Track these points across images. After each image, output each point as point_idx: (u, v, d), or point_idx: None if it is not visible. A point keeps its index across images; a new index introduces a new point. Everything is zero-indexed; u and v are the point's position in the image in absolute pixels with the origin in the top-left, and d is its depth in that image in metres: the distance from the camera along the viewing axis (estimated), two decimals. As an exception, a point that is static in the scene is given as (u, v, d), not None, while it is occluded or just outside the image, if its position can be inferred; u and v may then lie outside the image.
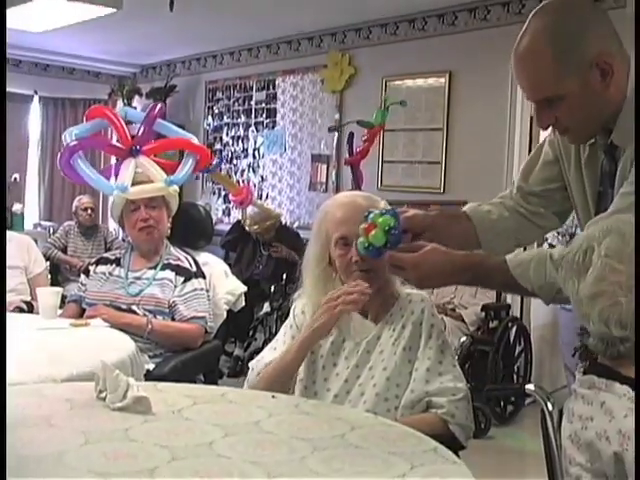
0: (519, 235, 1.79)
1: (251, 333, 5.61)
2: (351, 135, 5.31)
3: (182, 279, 2.89)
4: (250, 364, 1.91)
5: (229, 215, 7.31)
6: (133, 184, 2.97)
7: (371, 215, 1.63)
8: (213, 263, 3.29)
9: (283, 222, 6.24)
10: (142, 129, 3.21)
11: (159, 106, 3.30)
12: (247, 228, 5.62)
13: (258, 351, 5.28)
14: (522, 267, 1.49)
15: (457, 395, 1.80)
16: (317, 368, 1.86)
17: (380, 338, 1.88)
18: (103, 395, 1.54)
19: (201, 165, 3.37)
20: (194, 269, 2.96)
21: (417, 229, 1.68)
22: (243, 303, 3.32)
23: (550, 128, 1.61)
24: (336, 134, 6.20)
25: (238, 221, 5.97)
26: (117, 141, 3.28)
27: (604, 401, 1.28)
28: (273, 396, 1.68)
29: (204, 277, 2.98)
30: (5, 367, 1.40)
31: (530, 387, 1.53)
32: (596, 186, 1.62)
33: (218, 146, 7.41)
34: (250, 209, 5.79)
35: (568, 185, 1.71)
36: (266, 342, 5.36)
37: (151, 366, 2.66)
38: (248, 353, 5.41)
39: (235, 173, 7.29)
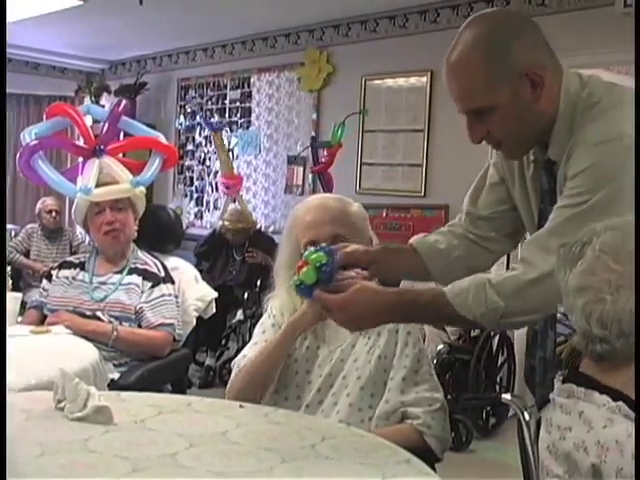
0: (470, 262, 1.80)
1: (223, 342, 5.58)
2: (315, 145, 5.38)
3: (150, 284, 2.89)
4: (233, 362, 1.93)
5: (201, 219, 7.29)
6: (97, 185, 2.96)
7: (306, 253, 1.60)
8: (182, 268, 3.28)
9: (258, 226, 6.25)
10: (106, 127, 3.20)
11: (124, 103, 3.29)
12: (223, 224, 5.66)
13: (231, 361, 5.33)
14: (461, 296, 1.48)
15: (434, 405, 1.81)
16: (290, 372, 1.87)
17: (355, 346, 1.89)
18: (62, 405, 1.53)
19: (168, 165, 3.37)
20: (162, 274, 2.95)
21: (360, 264, 1.68)
22: (214, 310, 3.31)
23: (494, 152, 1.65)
24: (313, 135, 6.21)
25: (213, 230, 5.99)
26: (81, 140, 3.27)
27: (583, 411, 1.29)
28: (241, 405, 1.68)
29: (173, 282, 2.97)
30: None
31: (506, 397, 1.55)
32: (538, 204, 1.66)
33: (190, 147, 7.39)
34: (232, 207, 5.82)
35: (517, 206, 1.75)
36: (239, 351, 5.33)
37: (116, 375, 2.65)
38: (220, 363, 5.40)
39: (208, 175, 7.28)
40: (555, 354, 2.16)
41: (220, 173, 6.52)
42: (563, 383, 1.37)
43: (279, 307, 1.95)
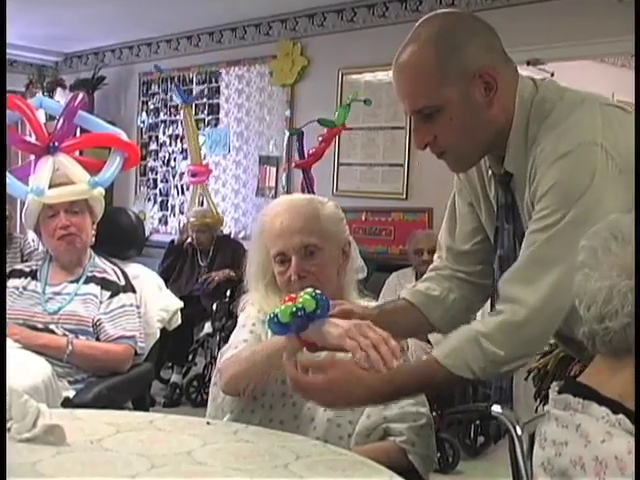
0: (467, 303, 1.82)
1: (190, 357, 5.56)
2: (301, 134, 5.32)
3: (108, 294, 2.86)
4: (220, 352, 1.90)
5: (166, 224, 7.26)
6: (51, 186, 2.92)
7: (302, 292, 1.62)
8: (144, 276, 3.25)
9: (227, 232, 6.24)
10: (61, 123, 3.16)
11: (81, 96, 3.25)
12: (187, 221, 5.69)
13: (199, 378, 5.36)
14: (455, 357, 1.48)
15: (418, 421, 1.80)
16: (270, 380, 1.83)
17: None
18: (9, 425, 1.50)
19: (130, 164, 3.34)
20: (122, 282, 2.93)
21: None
22: (179, 321, 3.28)
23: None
24: (287, 133, 6.20)
25: (171, 242, 6.01)
26: (32, 137, 3.23)
27: (580, 424, 1.28)
28: (208, 422, 1.68)
29: (134, 291, 2.95)
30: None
31: (496, 409, 1.54)
32: (494, 221, 1.68)
33: (154, 146, 7.36)
34: (197, 208, 5.83)
35: (487, 230, 1.76)
36: (207, 367, 5.33)
37: (71, 393, 2.61)
38: (187, 380, 5.37)
39: (173, 177, 7.25)
40: (512, 386, 2.17)
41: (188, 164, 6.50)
42: (559, 394, 1.36)
43: (262, 317, 1.93)
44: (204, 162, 6.48)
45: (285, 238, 1.85)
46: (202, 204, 6.31)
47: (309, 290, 1.62)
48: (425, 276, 1.87)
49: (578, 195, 1.45)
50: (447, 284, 1.81)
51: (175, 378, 5.35)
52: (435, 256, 1.88)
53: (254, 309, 1.94)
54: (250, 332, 1.89)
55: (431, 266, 1.87)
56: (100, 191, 2.99)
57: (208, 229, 5.72)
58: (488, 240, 1.76)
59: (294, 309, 1.57)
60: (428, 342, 4.45)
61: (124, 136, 3.31)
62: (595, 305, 1.25)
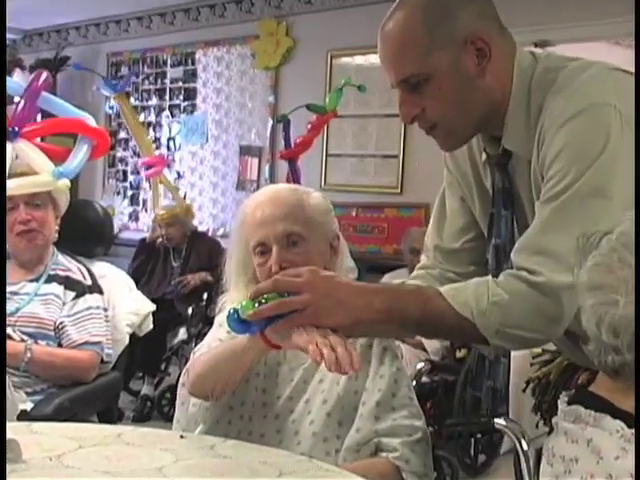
0: None
1: (163, 366, 5.56)
2: (287, 122, 5.31)
3: (73, 294, 2.85)
4: (193, 351, 1.88)
5: (136, 220, 7.25)
6: (10, 176, 2.89)
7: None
8: (113, 275, 3.24)
9: (202, 228, 6.22)
10: (22, 105, 3.13)
11: (45, 75, 3.22)
12: (155, 217, 5.72)
13: (172, 389, 5.33)
14: (458, 290, 1.49)
15: (414, 436, 1.79)
16: (250, 387, 1.84)
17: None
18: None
19: (98, 153, 3.31)
20: (88, 282, 2.91)
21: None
22: (151, 326, 3.27)
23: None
24: (270, 121, 6.20)
25: (142, 240, 6.00)
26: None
27: (591, 438, 1.27)
28: (182, 436, 1.67)
29: (101, 292, 2.93)
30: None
31: (500, 421, 1.53)
32: (489, 208, 1.67)
33: (123, 134, 7.34)
34: (164, 203, 5.82)
35: (481, 225, 1.76)
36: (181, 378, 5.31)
37: (29, 405, 2.59)
38: (159, 391, 5.35)
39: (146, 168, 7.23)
40: (508, 385, 2.14)
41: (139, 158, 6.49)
42: (568, 405, 1.35)
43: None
44: (160, 152, 6.55)
45: (266, 227, 1.83)
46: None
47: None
48: (413, 274, 1.86)
49: (591, 159, 1.43)
50: (437, 284, 1.76)
51: (146, 390, 5.35)
52: (422, 256, 1.88)
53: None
54: (227, 332, 1.87)
55: (419, 265, 1.87)
56: (65, 183, 2.97)
57: (178, 221, 5.71)
58: (481, 239, 1.75)
59: (256, 304, 1.54)
60: (424, 350, 4.46)
61: (92, 121, 3.29)
62: (626, 333, 1.23)
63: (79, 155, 3.15)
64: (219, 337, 1.87)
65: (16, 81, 3.69)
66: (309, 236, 1.85)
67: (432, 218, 1.87)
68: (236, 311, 1.55)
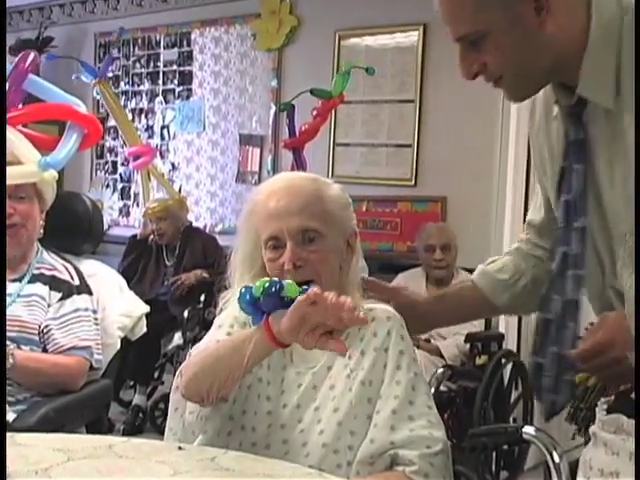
0: (543, 287, 1.84)
1: (157, 374, 5.56)
2: (292, 109, 5.29)
3: (59, 295, 2.85)
4: (189, 353, 1.87)
5: (127, 216, 7.25)
6: (-9, 165, 2.89)
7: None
8: (103, 274, 3.25)
9: (199, 224, 6.22)
10: (7, 88, 3.13)
11: (32, 56, 3.21)
12: (146, 212, 5.71)
13: (166, 399, 5.29)
14: None
15: (433, 448, 1.78)
16: (252, 395, 1.83)
17: (331, 369, 1.86)
18: None
19: (89, 142, 3.30)
20: (76, 282, 2.91)
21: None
22: (144, 329, 3.28)
23: None
24: (273, 107, 6.19)
25: (133, 236, 6.01)
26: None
27: (634, 450, 1.26)
28: (180, 447, 1.66)
29: (90, 293, 2.93)
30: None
31: (529, 430, 1.52)
32: (560, 162, 1.68)
33: (113, 122, 7.30)
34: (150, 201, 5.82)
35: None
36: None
37: (11, 416, 2.59)
38: (152, 402, 5.35)
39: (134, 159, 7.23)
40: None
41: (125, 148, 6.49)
42: (608, 413, 1.34)
43: (238, 314, 1.91)
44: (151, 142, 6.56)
45: (280, 219, 1.83)
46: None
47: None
48: (509, 249, 2.01)
49: None
50: (523, 264, 1.95)
51: (138, 400, 5.35)
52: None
53: (235, 309, 1.92)
54: (227, 334, 1.87)
55: (519, 239, 2.01)
56: (53, 174, 2.96)
57: (170, 215, 5.70)
58: None
59: (267, 284, 1.57)
60: (440, 356, 4.46)
61: (83, 108, 3.28)
62: None
63: (68, 144, 3.14)
64: (217, 339, 1.85)
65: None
66: (327, 232, 1.85)
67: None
68: (249, 290, 1.58)
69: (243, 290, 1.62)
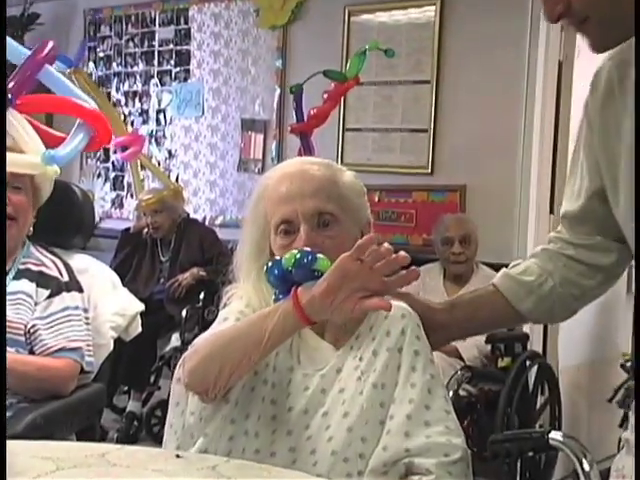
0: (576, 289, 1.89)
1: (153, 378, 5.57)
2: (300, 92, 5.28)
3: (47, 293, 2.85)
4: (192, 345, 1.87)
5: (120, 207, 7.25)
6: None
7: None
8: (94, 270, 3.24)
9: (195, 215, 6.23)
10: (21, 73, 3.15)
11: (51, 45, 3.23)
12: (139, 205, 5.74)
13: (163, 406, 5.32)
14: None
15: (451, 456, 1.78)
16: (256, 397, 1.83)
17: (341, 371, 1.86)
18: None
19: (96, 145, 3.33)
20: (65, 278, 2.92)
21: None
22: (139, 329, 3.27)
23: None
24: (277, 90, 6.18)
25: (126, 230, 6.01)
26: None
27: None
28: (178, 455, 1.66)
29: (80, 290, 2.94)
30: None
31: (556, 436, 1.51)
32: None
33: (102, 108, 7.34)
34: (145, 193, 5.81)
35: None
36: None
37: (-4, 423, 2.59)
38: (148, 408, 5.36)
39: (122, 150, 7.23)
40: (559, 400, 2.18)
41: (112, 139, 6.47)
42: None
43: (244, 309, 1.92)
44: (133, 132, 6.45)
45: (293, 202, 1.84)
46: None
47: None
48: (537, 248, 1.98)
49: None
50: (550, 265, 1.91)
51: (132, 406, 5.36)
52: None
53: (242, 303, 1.93)
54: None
55: (549, 236, 1.97)
56: (55, 170, 2.98)
57: (166, 208, 5.73)
58: (608, 206, 1.77)
59: (299, 255, 1.64)
60: (459, 358, 4.45)
61: (96, 109, 3.30)
62: None
63: (74, 142, 3.17)
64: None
65: (17, 45, 3.70)
66: (343, 218, 1.87)
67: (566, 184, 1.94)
68: (277, 262, 1.66)
69: (270, 263, 1.68)
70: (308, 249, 1.69)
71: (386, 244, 1.63)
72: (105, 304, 3.15)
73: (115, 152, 7.15)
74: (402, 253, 1.63)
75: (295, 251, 1.67)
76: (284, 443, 1.80)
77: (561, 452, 1.67)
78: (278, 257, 1.70)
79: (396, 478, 1.76)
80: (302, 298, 1.63)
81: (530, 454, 3.99)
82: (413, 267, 1.65)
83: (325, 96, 5.13)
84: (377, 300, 1.60)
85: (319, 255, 1.66)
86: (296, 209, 1.83)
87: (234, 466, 1.63)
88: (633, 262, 1.76)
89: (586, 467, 1.46)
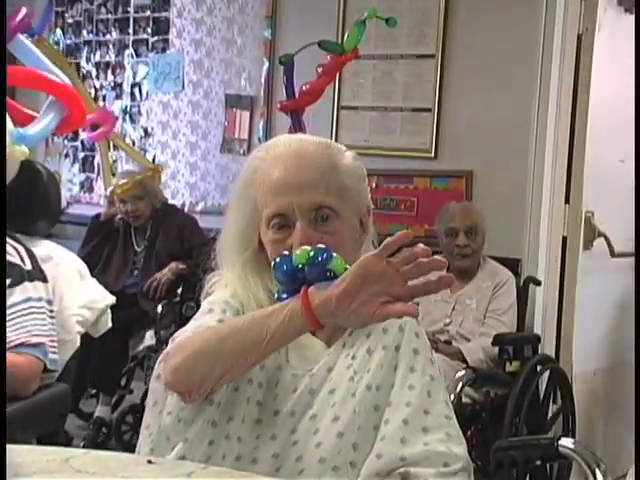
0: None
1: (124, 381, 5.57)
2: (291, 65, 5.28)
3: (7, 282, 2.84)
4: (172, 338, 1.87)
5: (90, 191, 7.24)
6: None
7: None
8: (60, 259, 3.26)
9: (173, 201, 6.22)
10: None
11: (24, 12, 3.23)
12: (113, 190, 5.72)
13: (135, 411, 5.31)
14: None
15: (452, 466, 1.78)
16: (240, 398, 1.83)
17: (332, 370, 1.87)
18: None
19: (68, 126, 3.33)
20: (28, 267, 2.94)
21: None
22: (109, 324, 3.28)
23: None
24: (265, 63, 6.17)
25: (96, 217, 6.00)
26: None
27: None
28: (150, 461, 1.66)
29: (44, 280, 2.96)
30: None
31: (567, 443, 1.52)
32: None
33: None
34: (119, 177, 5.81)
35: None
36: (147, 394, 5.30)
37: (-51, 426, 2.59)
38: (118, 414, 5.36)
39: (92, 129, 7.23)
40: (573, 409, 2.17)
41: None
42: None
43: (229, 299, 1.93)
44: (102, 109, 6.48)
45: (289, 193, 1.83)
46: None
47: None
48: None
49: None
50: None
51: (100, 411, 5.35)
52: None
53: (226, 292, 1.93)
54: (219, 321, 1.87)
55: None
56: (23, 150, 2.99)
57: (146, 193, 5.72)
58: None
59: (313, 252, 1.65)
60: (462, 361, 4.46)
61: (70, 86, 3.30)
62: None
63: (45, 121, 3.18)
64: (208, 326, 1.85)
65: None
66: (342, 210, 1.86)
67: None
68: (287, 258, 1.68)
69: (279, 259, 1.69)
70: (322, 246, 1.68)
71: (421, 245, 1.61)
72: (72, 296, 3.16)
73: (84, 130, 7.17)
74: (438, 257, 1.61)
75: (308, 247, 1.67)
76: (268, 448, 1.80)
77: (574, 462, 1.67)
78: (287, 253, 1.71)
79: (390, 489, 1.76)
80: (313, 299, 1.62)
81: (538, 463, 4.01)
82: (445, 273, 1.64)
83: (319, 70, 5.12)
84: (401, 305, 1.58)
85: (334, 254, 1.66)
86: (292, 202, 1.82)
87: (212, 473, 1.63)
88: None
89: (599, 478, 1.47)
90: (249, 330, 1.70)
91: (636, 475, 1.17)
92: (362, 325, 1.67)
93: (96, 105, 6.48)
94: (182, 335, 1.83)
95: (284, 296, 1.69)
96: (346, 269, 1.63)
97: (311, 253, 1.65)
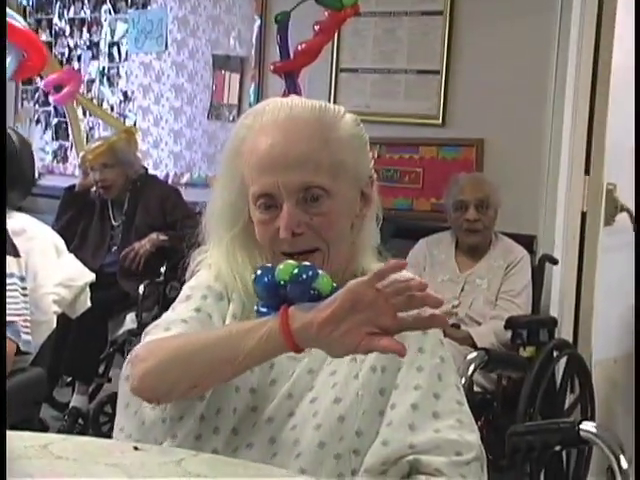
0: None
1: (102, 368, 5.58)
2: (286, 22, 5.27)
3: (-27, 257, 2.86)
4: (145, 331, 1.88)
5: (64, 161, 7.23)
6: None
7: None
8: (34, 232, 3.27)
9: (156, 172, 6.21)
10: None
11: None
12: (84, 157, 5.72)
13: (114, 400, 5.27)
14: None
15: (465, 455, 1.79)
16: (228, 388, 1.83)
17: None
18: None
19: (27, 71, 3.32)
20: (-2, 241, 2.93)
21: None
22: (88, 303, 3.28)
23: None
24: (257, 21, 6.16)
25: (70, 187, 6.00)
26: None
27: None
28: (136, 447, 1.66)
29: (16, 255, 2.97)
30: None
31: (588, 427, 1.53)
32: None
33: (45, 36, 7.30)
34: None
35: None
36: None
37: None
38: (96, 404, 5.36)
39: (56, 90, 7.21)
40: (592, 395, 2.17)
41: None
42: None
43: (212, 283, 1.94)
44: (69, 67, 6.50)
45: (275, 172, 1.81)
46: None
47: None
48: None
49: None
50: None
51: (77, 401, 5.35)
52: None
53: (210, 275, 1.93)
54: (196, 310, 1.88)
55: None
56: None
57: (117, 160, 5.68)
58: None
59: (297, 269, 1.62)
60: (472, 346, 4.46)
61: (21, 23, 3.30)
62: None
63: (-1, 67, 3.16)
64: (182, 318, 1.87)
65: None
66: (335, 188, 1.84)
67: None
68: (268, 270, 1.66)
69: (260, 271, 1.67)
70: (308, 263, 1.67)
71: (418, 278, 1.61)
72: (47, 273, 3.16)
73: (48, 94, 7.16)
74: (433, 293, 1.59)
75: (294, 263, 1.66)
76: (264, 432, 1.80)
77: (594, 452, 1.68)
78: (270, 265, 1.69)
79: (397, 478, 1.76)
80: (293, 321, 1.60)
81: (557, 449, 4.01)
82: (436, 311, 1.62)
83: (316, 28, 5.11)
84: (389, 341, 1.57)
85: (320, 272, 1.64)
86: (277, 182, 1.81)
87: (203, 460, 1.64)
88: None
89: (624, 464, 1.48)
90: (225, 345, 1.69)
91: (636, 470, 1.18)
92: (343, 354, 1.65)
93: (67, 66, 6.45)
94: (154, 333, 1.83)
95: (263, 310, 1.68)
96: (332, 288, 1.62)
97: (295, 270, 1.63)
